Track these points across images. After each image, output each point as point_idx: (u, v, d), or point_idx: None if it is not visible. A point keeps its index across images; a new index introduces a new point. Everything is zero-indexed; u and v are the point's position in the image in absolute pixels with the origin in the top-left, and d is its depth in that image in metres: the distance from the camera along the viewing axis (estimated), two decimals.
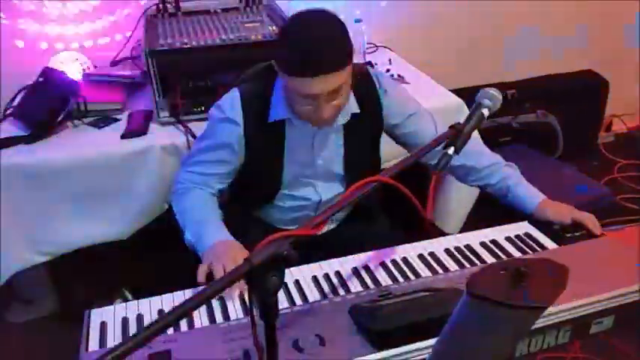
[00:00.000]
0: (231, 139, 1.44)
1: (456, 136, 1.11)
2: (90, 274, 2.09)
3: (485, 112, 1.18)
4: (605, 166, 3.05)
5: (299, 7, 2.46)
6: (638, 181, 2.93)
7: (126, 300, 2.15)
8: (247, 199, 1.57)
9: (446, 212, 2.25)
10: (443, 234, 2.25)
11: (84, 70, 2.10)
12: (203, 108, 1.91)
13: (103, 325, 1.18)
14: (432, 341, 1.06)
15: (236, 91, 1.44)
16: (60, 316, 2.12)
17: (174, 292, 1.27)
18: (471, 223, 2.28)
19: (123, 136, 1.83)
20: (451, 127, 1.12)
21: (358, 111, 1.46)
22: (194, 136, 1.82)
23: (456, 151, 1.11)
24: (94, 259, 1.99)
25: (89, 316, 1.20)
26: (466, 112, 2.11)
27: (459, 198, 2.20)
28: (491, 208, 1.77)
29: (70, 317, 2.09)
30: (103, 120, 1.93)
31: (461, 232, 2.29)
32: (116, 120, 1.94)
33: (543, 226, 1.48)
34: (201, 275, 1.26)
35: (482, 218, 2.03)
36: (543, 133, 2.95)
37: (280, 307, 1.19)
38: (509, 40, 2.88)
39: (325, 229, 1.66)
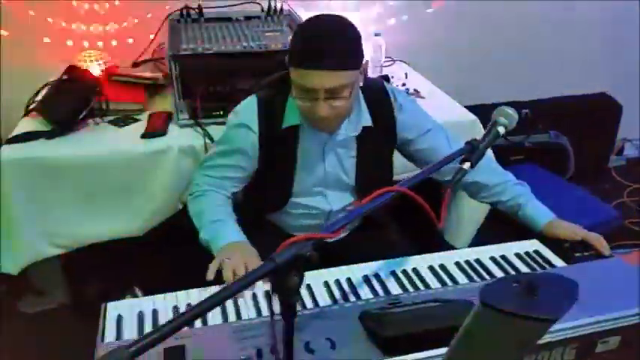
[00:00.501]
0: (246, 145, 1.48)
1: (472, 151, 1.14)
2: (103, 269, 2.13)
3: (501, 130, 1.21)
4: (615, 190, 3.07)
5: None
6: None
7: (136, 297, 2.19)
8: (259, 203, 1.60)
9: (456, 228, 2.27)
10: (452, 249, 2.30)
11: (107, 69, 2.15)
12: (222, 112, 1.95)
13: (120, 319, 1.21)
14: (439, 351, 1.09)
15: (254, 98, 1.48)
16: (70, 309, 2.15)
17: (189, 290, 1.30)
18: (481, 239, 2.30)
19: (143, 136, 1.88)
20: (467, 143, 1.15)
21: (371, 124, 1.49)
22: (212, 140, 1.86)
23: (472, 167, 1.14)
24: (108, 254, 2.03)
25: (105, 309, 1.23)
26: (480, 128, 2.16)
27: (470, 214, 2.22)
28: (501, 225, 1.80)
29: (80, 310, 2.13)
30: (124, 119, 1.97)
31: (470, 247, 2.33)
32: (136, 120, 1.99)
33: (552, 244, 1.51)
34: (211, 273, 1.29)
35: (492, 235, 2.06)
36: (555, 154, 2.97)
37: (297, 309, 1.23)
38: (525, 59, 2.92)
39: (337, 237, 1.69)
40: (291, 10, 2.29)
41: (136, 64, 2.32)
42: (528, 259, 1.45)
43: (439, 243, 2.26)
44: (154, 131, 1.88)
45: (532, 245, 1.51)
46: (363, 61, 1.37)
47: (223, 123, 1.94)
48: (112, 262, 2.13)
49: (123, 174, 1.84)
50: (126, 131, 1.93)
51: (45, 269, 1.98)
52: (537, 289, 0.76)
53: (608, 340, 1.22)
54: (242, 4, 2.24)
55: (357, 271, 1.39)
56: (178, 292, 1.30)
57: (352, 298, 1.29)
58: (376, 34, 2.34)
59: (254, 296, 1.29)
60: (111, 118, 1.98)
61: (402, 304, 1.22)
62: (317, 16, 1.36)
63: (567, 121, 2.96)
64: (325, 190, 1.57)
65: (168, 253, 2.11)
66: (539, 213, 1.55)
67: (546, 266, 1.42)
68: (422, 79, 2.45)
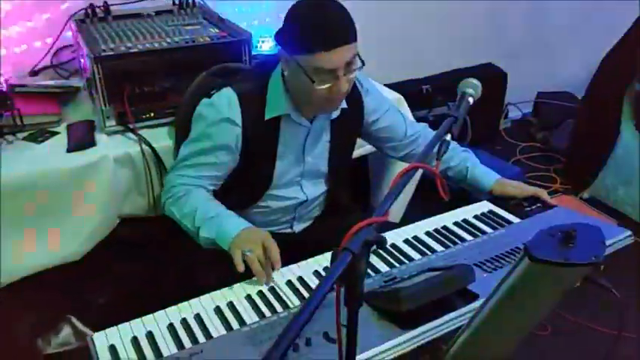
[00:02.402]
0: (230, 140, 1.43)
1: (454, 124, 1.19)
2: (32, 302, 1.90)
3: (470, 100, 1.28)
4: (508, 150, 3.37)
5: (226, 9, 2.45)
6: (537, 161, 3.27)
7: (75, 329, 2.00)
8: (231, 201, 1.54)
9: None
10: (388, 222, 2.39)
11: (6, 80, 1.90)
12: (152, 114, 1.83)
13: (113, 349, 1.10)
14: (452, 314, 1.14)
15: (230, 91, 1.42)
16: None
17: (180, 304, 1.22)
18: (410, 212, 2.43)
19: (70, 150, 1.70)
20: (449, 116, 1.21)
21: (346, 106, 1.50)
22: (150, 145, 1.74)
23: (453, 138, 1.20)
24: (37, 285, 1.82)
25: (93, 343, 1.12)
26: (406, 105, 2.26)
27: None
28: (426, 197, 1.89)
29: (12, 355, 1.89)
30: (41, 134, 1.77)
31: (403, 219, 2.43)
32: (55, 133, 1.79)
33: (498, 202, 1.62)
34: (240, 265, 1.27)
35: (420, 206, 2.18)
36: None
37: (296, 303, 1.21)
38: (420, 38, 3.08)
39: (301, 227, 1.68)
40: (203, 2, 2.20)
41: (34, 73, 2.08)
42: (488, 220, 1.56)
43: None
44: (82, 143, 1.72)
45: (485, 206, 1.62)
46: None
47: (155, 126, 1.85)
48: (42, 294, 1.91)
49: (51, 194, 1.65)
50: (47, 146, 1.73)
51: None
52: (573, 238, 0.83)
53: None
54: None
55: None
56: (168, 309, 1.21)
57: None
58: None
59: (249, 297, 1.25)
60: (25, 134, 1.76)
61: (400, 278, 1.26)
62: (313, 1, 1.33)
63: None
64: (302, 179, 1.57)
65: (107, 273, 1.95)
66: (486, 174, 1.67)
67: (504, 224, 1.53)
68: None
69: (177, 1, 2.14)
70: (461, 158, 1.68)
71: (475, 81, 1.30)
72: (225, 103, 1.41)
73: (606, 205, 2.82)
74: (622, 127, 2.77)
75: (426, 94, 3.12)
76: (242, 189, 1.54)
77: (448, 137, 1.19)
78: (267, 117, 1.43)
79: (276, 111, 1.43)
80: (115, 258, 1.88)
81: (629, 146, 2.76)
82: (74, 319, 2.04)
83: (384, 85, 2.38)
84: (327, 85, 1.33)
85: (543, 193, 1.60)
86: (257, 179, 1.52)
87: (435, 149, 1.17)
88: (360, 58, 1.37)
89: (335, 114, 1.50)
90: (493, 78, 3.29)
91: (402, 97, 2.23)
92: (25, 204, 1.62)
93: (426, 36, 3.11)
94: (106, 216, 1.74)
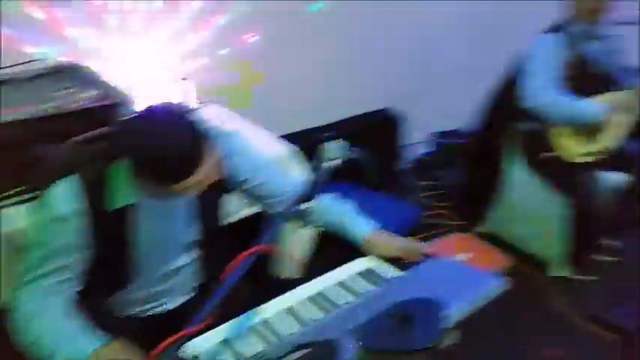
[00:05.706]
0: (71, 239, 1.27)
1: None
2: None
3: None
4: (408, 190, 3.46)
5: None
6: (437, 199, 3.39)
7: None
8: (101, 290, 1.43)
9: (290, 261, 2.33)
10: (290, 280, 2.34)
11: None
12: (24, 187, 1.72)
13: None
14: None
15: (64, 183, 1.26)
16: None
17: None
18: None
19: None
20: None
21: None
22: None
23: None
24: None
25: None
26: (298, 160, 2.26)
27: (298, 243, 2.30)
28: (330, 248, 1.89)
29: None
30: None
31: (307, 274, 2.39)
32: None
33: None
34: None
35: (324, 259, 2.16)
36: (356, 169, 3.23)
37: None
38: (315, 87, 3.13)
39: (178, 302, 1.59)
40: (78, 64, 2.13)
41: None
42: (370, 277, 1.52)
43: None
44: None
45: (365, 262, 1.58)
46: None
47: (28, 200, 1.71)
48: None
49: None
50: None
51: None
52: (409, 319, 0.84)
53: None
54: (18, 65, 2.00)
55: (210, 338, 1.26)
56: None
57: None
58: (183, 79, 2.31)
59: None
60: None
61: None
62: (150, 128, 1.17)
63: (360, 137, 3.24)
64: (172, 251, 1.49)
65: None
66: (357, 230, 1.60)
67: (387, 277, 1.50)
68: (237, 117, 2.42)
69: (53, 65, 2.05)
70: (335, 211, 1.64)
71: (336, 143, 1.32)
72: (59, 198, 1.26)
73: (502, 239, 2.90)
74: (512, 163, 2.84)
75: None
76: (107, 276, 1.42)
77: (303, 206, 1.19)
78: (112, 208, 1.29)
79: (122, 201, 1.30)
80: None
81: (520, 183, 2.84)
82: None
83: (282, 136, 2.38)
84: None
85: (414, 247, 1.58)
86: (120, 269, 1.41)
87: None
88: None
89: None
90: (389, 121, 3.41)
91: (296, 150, 2.22)
92: None
93: (324, 83, 3.18)
94: None
